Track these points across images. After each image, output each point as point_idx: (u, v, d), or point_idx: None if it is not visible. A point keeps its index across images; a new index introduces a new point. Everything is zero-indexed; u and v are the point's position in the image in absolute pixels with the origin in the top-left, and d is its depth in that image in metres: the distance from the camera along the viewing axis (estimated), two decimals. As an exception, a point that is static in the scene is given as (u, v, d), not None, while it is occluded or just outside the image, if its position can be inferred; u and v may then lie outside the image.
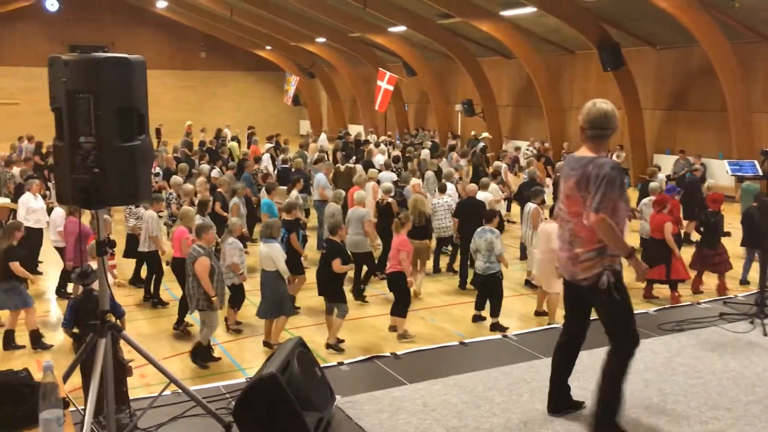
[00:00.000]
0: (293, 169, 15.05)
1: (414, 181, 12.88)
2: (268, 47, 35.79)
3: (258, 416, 3.94)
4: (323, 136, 25.85)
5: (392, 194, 11.47)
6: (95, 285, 4.24)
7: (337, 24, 27.44)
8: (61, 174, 3.65)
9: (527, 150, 21.50)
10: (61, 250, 10.16)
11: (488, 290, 8.90)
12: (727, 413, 4.32)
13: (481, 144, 20.98)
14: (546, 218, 9.73)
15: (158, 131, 28.37)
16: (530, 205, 10.29)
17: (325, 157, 16.64)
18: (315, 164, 15.15)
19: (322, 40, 30.87)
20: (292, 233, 9.38)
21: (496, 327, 8.60)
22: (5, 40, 34.72)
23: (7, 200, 10.42)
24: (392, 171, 14.77)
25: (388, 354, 5.49)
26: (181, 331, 8.79)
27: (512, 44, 22.64)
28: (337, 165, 16.25)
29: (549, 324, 8.36)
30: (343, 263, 8.20)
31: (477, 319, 9.03)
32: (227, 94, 39.21)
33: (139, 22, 36.64)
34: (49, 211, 11.06)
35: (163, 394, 4.43)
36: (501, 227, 11.13)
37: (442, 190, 11.65)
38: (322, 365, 4.77)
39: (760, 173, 8.95)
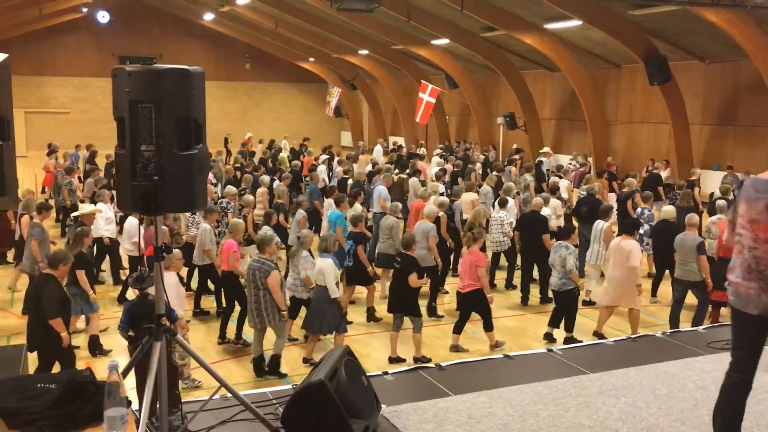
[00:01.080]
0: (350, 181, 15.25)
1: (472, 195, 12.85)
2: (311, 59, 36.21)
3: (306, 422, 3.99)
4: (378, 147, 25.82)
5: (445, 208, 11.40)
6: (151, 289, 4.34)
7: (380, 36, 27.64)
8: (122, 181, 3.76)
9: (569, 164, 21.29)
10: (135, 259, 10.30)
11: (561, 306, 8.84)
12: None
13: (543, 159, 20.81)
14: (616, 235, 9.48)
15: (226, 141, 28.82)
16: (602, 223, 10.20)
17: (386, 169, 16.76)
18: (374, 176, 15.26)
19: (364, 52, 31.13)
20: (360, 245, 9.46)
21: (570, 340, 8.52)
22: (58, 51, 35.82)
23: (93, 206, 10.61)
24: (443, 183, 14.82)
25: (432, 365, 5.49)
26: (227, 344, 8.88)
27: (556, 57, 22.50)
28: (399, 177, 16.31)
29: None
30: (419, 278, 8.22)
31: (548, 336, 8.89)
32: (270, 104, 39.77)
33: (187, 34, 37.45)
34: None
35: (213, 398, 4.54)
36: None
37: (503, 204, 11.53)
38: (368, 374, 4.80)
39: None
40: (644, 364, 5.38)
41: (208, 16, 34.01)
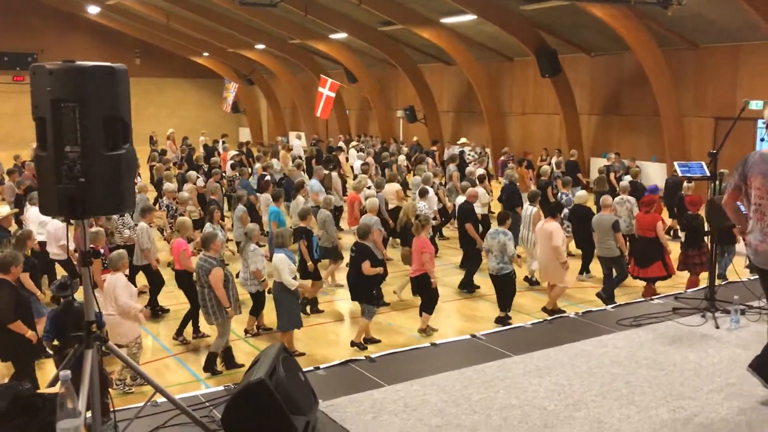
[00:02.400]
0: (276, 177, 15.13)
1: (395, 186, 13.12)
2: (206, 54, 35.35)
3: (247, 422, 3.96)
4: (297, 142, 25.62)
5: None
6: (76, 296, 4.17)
7: (277, 31, 27.35)
8: (46, 184, 3.59)
9: (469, 154, 21.87)
10: (62, 263, 9.87)
11: (502, 288, 9.24)
12: (691, 402, 4.57)
13: (460, 149, 21.20)
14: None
15: (151, 139, 27.66)
16: (530, 208, 10.80)
17: (303, 164, 16.77)
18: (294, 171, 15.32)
19: (261, 46, 30.70)
20: (302, 240, 9.54)
21: (501, 320, 9.01)
22: None
23: (8, 209, 9.94)
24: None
25: (362, 357, 5.55)
26: (181, 342, 8.83)
27: (452, 51, 23.05)
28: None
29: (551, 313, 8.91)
30: (373, 266, 8.41)
31: (500, 320, 9.18)
32: (164, 101, 38.48)
33: (71, 28, 35.64)
34: None
35: (140, 405, 4.42)
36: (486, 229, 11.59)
37: (422, 194, 11.90)
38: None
39: (708, 174, 9.41)
40: (562, 344, 5.66)
41: (93, 10, 32.44)
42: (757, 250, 4.45)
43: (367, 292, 8.52)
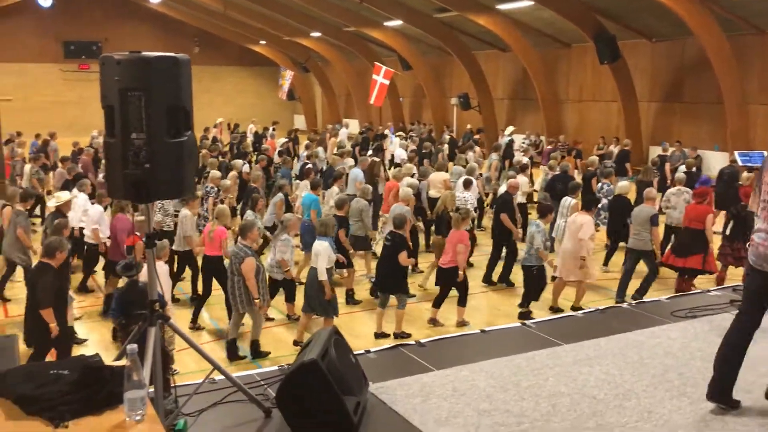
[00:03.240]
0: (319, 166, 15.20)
1: (443, 175, 13.00)
2: (263, 42, 35.82)
3: (300, 400, 4.09)
4: (344, 130, 25.64)
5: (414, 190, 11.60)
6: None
7: (333, 18, 27.52)
8: (113, 169, 3.77)
9: (523, 143, 21.68)
10: (91, 246, 10.15)
11: (524, 281, 9.11)
12: (745, 395, 4.49)
13: (508, 138, 21.09)
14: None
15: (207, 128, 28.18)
16: (569, 200, 10.59)
17: (352, 152, 16.82)
18: (341, 158, 15.34)
19: (316, 34, 30.94)
20: (341, 229, 9.56)
21: (522, 315, 8.82)
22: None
23: (68, 194, 10.30)
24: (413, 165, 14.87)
25: (412, 342, 5.64)
26: (196, 329, 8.87)
27: (508, 37, 22.80)
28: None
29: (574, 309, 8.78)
30: (408, 256, 8.43)
31: (521, 315, 8.97)
32: (221, 89, 39.17)
33: (133, 18, 36.57)
34: None
35: (198, 381, 4.61)
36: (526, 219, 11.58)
37: (467, 185, 11.68)
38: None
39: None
40: (613, 334, 5.64)
41: (155, -1, 33.29)
42: (758, 249, 4.14)
43: (401, 282, 8.49)
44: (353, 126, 31.75)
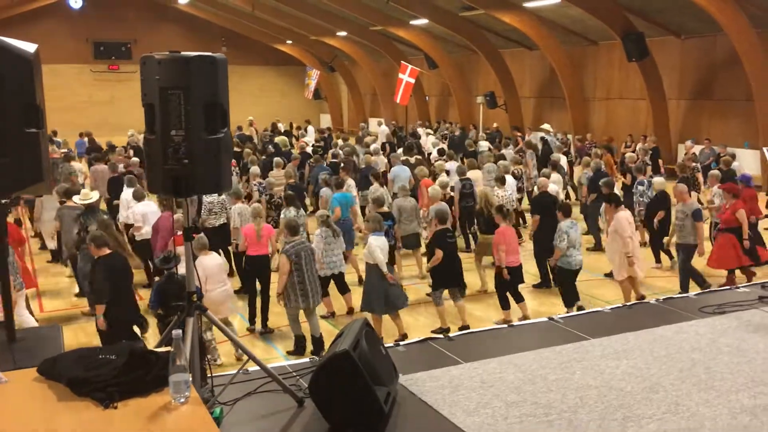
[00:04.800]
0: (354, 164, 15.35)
1: (477, 173, 13.12)
2: (289, 41, 36.08)
3: (333, 390, 4.20)
4: (384, 128, 25.61)
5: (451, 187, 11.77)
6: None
7: (359, 17, 27.65)
8: (153, 165, 3.92)
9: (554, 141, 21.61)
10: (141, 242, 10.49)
11: (558, 281, 9.21)
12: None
13: (542, 136, 21.07)
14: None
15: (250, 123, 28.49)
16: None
17: (387, 148, 16.93)
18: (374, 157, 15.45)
19: (343, 33, 31.11)
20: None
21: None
22: (29, 38, 34.67)
23: (97, 193, 10.59)
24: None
25: (440, 336, 5.73)
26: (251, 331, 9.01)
27: (535, 36, 22.75)
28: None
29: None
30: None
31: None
32: (247, 88, 39.46)
33: (161, 19, 37.05)
34: None
35: (232, 372, 4.75)
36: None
37: (502, 182, 11.72)
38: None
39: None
40: (641, 329, 5.66)
41: (184, 0, 33.68)
42: None
43: (434, 278, 8.68)
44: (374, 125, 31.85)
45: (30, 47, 3.60)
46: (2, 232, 3.64)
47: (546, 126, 22.20)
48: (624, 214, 8.92)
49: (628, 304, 6.60)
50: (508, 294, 8.96)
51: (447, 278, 8.72)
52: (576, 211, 13.89)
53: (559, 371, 4.91)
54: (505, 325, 5.99)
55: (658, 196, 10.92)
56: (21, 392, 2.79)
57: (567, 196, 13.70)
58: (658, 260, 11.32)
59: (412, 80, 25.37)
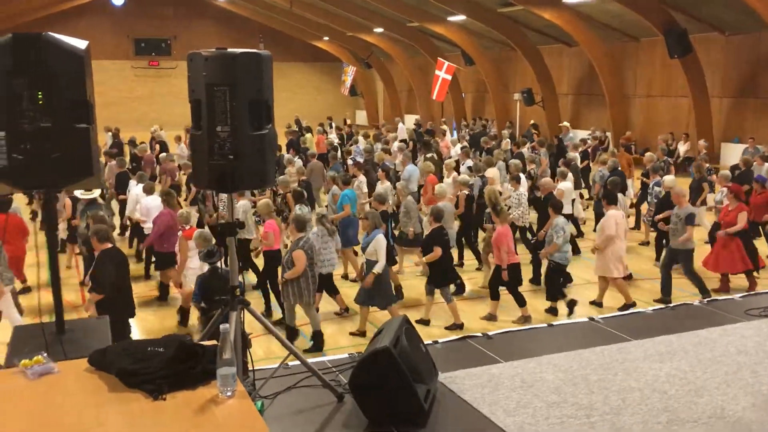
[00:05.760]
0: (373, 161, 15.30)
1: (494, 171, 13.03)
2: (326, 38, 36.20)
3: (372, 387, 4.21)
4: (401, 126, 25.68)
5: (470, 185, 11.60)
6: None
7: (396, 14, 27.62)
8: (199, 160, 3.97)
9: (586, 138, 21.34)
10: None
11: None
12: (823, 394, 4.41)
13: (570, 135, 20.91)
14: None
15: (298, 121, 28.60)
16: (621, 196, 10.58)
17: (405, 147, 16.91)
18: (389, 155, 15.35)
19: (379, 30, 31.11)
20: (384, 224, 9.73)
21: (549, 310, 9.10)
22: (72, 35, 35.30)
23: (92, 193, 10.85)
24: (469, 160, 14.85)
25: (479, 334, 5.70)
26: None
27: (574, 32, 22.48)
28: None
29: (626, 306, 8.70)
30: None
31: (550, 310, 9.15)
32: (284, 85, 39.65)
33: (200, 16, 37.51)
34: None
35: (272, 366, 4.79)
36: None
37: (517, 181, 11.55)
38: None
39: None
40: (684, 331, 5.57)
41: (223, -3, 34.08)
42: None
43: (439, 276, 8.67)
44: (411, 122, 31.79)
45: (81, 44, 3.66)
46: (53, 224, 3.71)
47: (565, 123, 22.05)
48: (614, 213, 8.91)
49: (670, 305, 6.49)
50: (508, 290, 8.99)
51: (447, 275, 8.80)
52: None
53: (600, 372, 4.85)
54: (545, 325, 5.93)
55: (666, 195, 10.78)
56: (72, 382, 2.85)
57: (581, 195, 13.55)
58: (658, 258, 11.13)
59: (449, 77, 25.27)
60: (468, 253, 11.42)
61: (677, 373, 4.80)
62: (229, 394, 2.71)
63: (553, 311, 9.02)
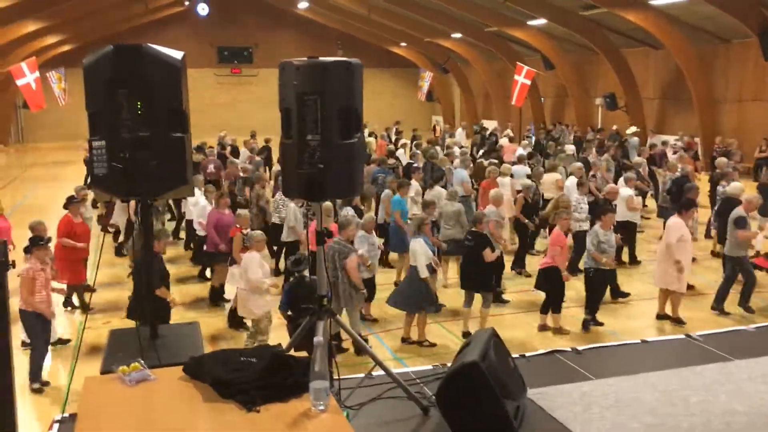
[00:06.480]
0: (429, 166, 15.10)
1: (555, 176, 12.78)
2: (403, 44, 36.27)
3: (460, 401, 4.11)
4: (460, 130, 25.69)
5: (531, 190, 11.45)
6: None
7: (474, 19, 27.38)
8: (288, 169, 3.97)
9: (674, 144, 20.56)
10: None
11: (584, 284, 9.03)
12: None
13: (634, 139, 20.30)
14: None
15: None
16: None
17: (456, 152, 16.72)
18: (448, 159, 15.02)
19: (457, 35, 30.93)
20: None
21: (586, 323, 8.81)
22: (160, 44, 36.76)
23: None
24: (526, 165, 14.54)
25: (569, 349, 5.51)
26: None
27: (661, 34, 21.69)
28: (479, 161, 16.13)
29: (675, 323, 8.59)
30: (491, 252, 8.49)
31: (585, 323, 8.85)
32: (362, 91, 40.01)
33: (280, 24, 38.24)
34: None
35: (356, 376, 4.75)
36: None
37: (579, 187, 11.31)
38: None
39: None
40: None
41: (303, 5, 34.59)
42: None
43: (488, 279, 8.57)
44: (491, 126, 31.43)
45: (177, 54, 3.72)
46: (150, 231, 3.78)
47: (633, 128, 21.43)
48: (675, 220, 8.66)
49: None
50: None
51: (463, 279, 8.73)
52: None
53: (701, 393, 4.59)
54: (638, 341, 5.67)
55: (723, 202, 10.34)
56: (169, 390, 2.87)
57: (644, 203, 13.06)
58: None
59: (528, 81, 24.83)
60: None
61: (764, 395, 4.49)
62: (321, 407, 2.68)
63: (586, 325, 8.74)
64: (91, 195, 11.55)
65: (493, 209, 10.19)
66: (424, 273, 7.98)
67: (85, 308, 9.51)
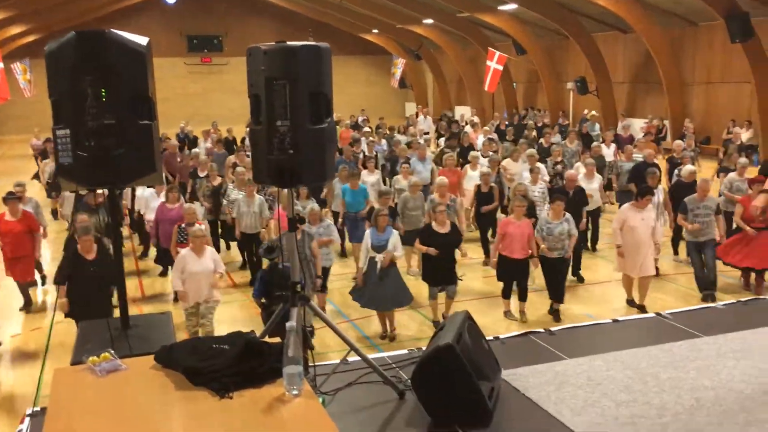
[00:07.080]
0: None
1: (509, 163, 12.88)
2: (375, 30, 36.13)
3: (435, 384, 4.13)
4: (422, 118, 25.53)
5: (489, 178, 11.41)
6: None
7: (446, 4, 27.34)
8: (258, 155, 3.93)
9: (642, 126, 20.84)
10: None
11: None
12: None
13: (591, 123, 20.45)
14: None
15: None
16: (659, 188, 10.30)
17: (418, 140, 16.64)
18: (409, 147, 14.83)
19: (429, 21, 30.87)
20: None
21: (553, 313, 8.91)
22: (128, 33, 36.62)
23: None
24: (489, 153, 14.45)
25: (542, 330, 5.56)
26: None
27: (630, 18, 21.87)
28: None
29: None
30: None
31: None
32: (334, 78, 39.64)
33: (251, 11, 37.87)
34: None
35: (332, 362, 4.75)
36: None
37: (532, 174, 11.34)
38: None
39: None
40: (759, 327, 5.32)
41: (273, -8, 34.30)
42: None
43: (451, 272, 8.60)
44: (466, 112, 31.51)
45: (142, 40, 3.66)
46: (118, 218, 3.73)
47: (593, 113, 21.69)
48: (623, 207, 8.94)
49: (743, 300, 6.23)
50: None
51: (431, 275, 8.67)
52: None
53: (671, 370, 4.67)
54: (609, 320, 5.75)
55: (675, 185, 10.57)
56: (140, 380, 2.85)
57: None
58: (676, 253, 11.04)
59: (500, 67, 24.91)
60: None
61: (753, 371, 4.58)
62: (295, 392, 2.68)
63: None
64: (33, 189, 11.41)
65: (434, 197, 9.96)
66: (360, 263, 8.15)
67: (28, 305, 9.56)
